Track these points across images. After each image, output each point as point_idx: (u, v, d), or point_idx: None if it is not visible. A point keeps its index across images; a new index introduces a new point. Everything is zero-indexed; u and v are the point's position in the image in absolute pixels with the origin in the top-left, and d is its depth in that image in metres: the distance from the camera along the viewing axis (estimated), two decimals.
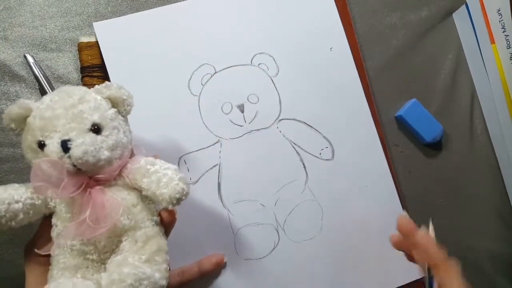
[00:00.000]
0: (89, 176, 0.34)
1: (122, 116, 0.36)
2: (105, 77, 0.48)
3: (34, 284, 0.36)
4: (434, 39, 0.57)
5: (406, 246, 0.41)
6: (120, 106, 0.36)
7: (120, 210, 0.33)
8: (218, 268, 0.48)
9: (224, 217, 0.49)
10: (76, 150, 0.31)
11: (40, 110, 0.33)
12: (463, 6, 0.55)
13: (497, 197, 0.56)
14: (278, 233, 0.49)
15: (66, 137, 0.32)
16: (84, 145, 0.32)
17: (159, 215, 0.37)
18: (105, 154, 0.33)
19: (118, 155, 0.34)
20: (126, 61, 0.48)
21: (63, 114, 0.32)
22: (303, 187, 0.50)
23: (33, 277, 0.36)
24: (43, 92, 0.48)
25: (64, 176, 0.32)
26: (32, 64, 0.48)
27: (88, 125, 0.33)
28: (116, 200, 0.34)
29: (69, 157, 0.31)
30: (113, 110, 0.35)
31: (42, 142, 0.32)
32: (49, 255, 0.34)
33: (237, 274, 0.48)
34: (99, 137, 0.33)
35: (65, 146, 0.31)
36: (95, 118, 0.33)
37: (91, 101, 0.34)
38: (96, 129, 0.33)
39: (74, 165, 0.32)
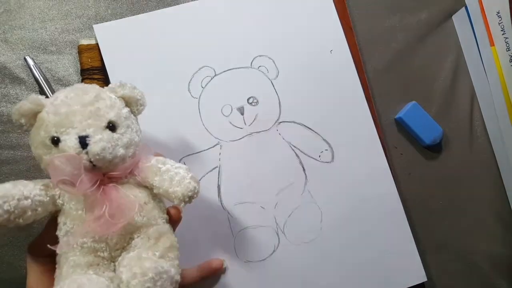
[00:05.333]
0: (103, 173, 0.34)
1: (133, 115, 0.37)
2: (105, 79, 0.49)
3: (36, 284, 0.36)
4: (433, 41, 0.57)
5: None
6: (133, 105, 0.37)
7: (136, 207, 0.34)
8: (218, 274, 0.48)
9: (224, 220, 0.49)
10: (94, 146, 0.32)
11: (54, 106, 0.33)
12: (463, 9, 0.55)
13: (497, 199, 0.56)
14: (278, 235, 0.49)
15: (84, 133, 0.32)
16: (102, 142, 0.32)
17: (167, 213, 0.38)
18: (120, 151, 0.34)
19: (131, 153, 0.35)
20: (126, 64, 0.48)
21: (79, 110, 0.33)
22: (303, 189, 0.50)
23: (35, 277, 0.36)
24: (43, 94, 0.48)
25: (81, 171, 0.32)
26: (32, 67, 0.48)
27: (105, 123, 0.33)
28: (130, 198, 0.34)
29: (87, 153, 0.32)
30: (126, 109, 0.36)
31: (56, 138, 0.32)
32: (51, 256, 0.34)
33: (237, 277, 0.48)
34: (114, 135, 0.34)
35: (83, 142, 0.32)
36: (111, 115, 0.34)
37: (106, 99, 0.34)
38: (112, 126, 0.34)
39: (91, 162, 0.32)
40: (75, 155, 0.32)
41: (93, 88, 0.35)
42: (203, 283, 0.47)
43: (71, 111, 0.33)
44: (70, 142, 0.32)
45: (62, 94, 0.34)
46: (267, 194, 0.49)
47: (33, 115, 0.34)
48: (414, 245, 0.51)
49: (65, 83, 0.50)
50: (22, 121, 0.34)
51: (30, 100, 0.33)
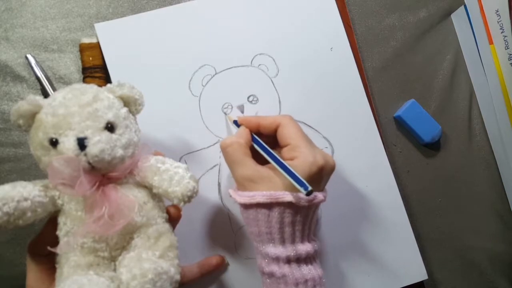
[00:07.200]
0: (102, 174, 0.34)
1: (132, 115, 0.37)
2: (106, 78, 0.49)
3: (35, 282, 0.36)
4: (432, 40, 0.57)
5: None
6: (131, 105, 0.37)
7: (135, 207, 0.34)
8: (219, 270, 0.48)
9: (224, 217, 0.49)
10: (93, 148, 0.32)
11: (52, 107, 0.33)
12: (462, 7, 0.56)
13: (495, 197, 0.56)
14: None
15: (82, 135, 0.32)
16: (101, 143, 0.32)
17: (167, 212, 0.38)
18: (119, 152, 0.34)
19: (130, 153, 0.35)
20: (127, 62, 0.49)
21: (77, 112, 0.33)
22: None
23: (35, 276, 0.36)
24: (44, 93, 0.48)
25: (80, 173, 0.32)
26: (33, 65, 0.48)
27: (103, 124, 0.33)
28: (130, 198, 0.34)
29: (85, 155, 0.32)
30: (125, 109, 0.36)
31: (54, 140, 0.32)
32: (51, 255, 0.34)
33: (237, 273, 0.48)
34: (113, 136, 0.34)
35: (81, 144, 0.32)
36: (110, 116, 0.34)
37: (104, 99, 0.34)
38: (110, 127, 0.34)
39: (89, 163, 0.32)
40: (73, 157, 0.32)
41: (91, 89, 0.35)
42: (203, 280, 0.47)
43: (69, 113, 0.32)
44: (68, 144, 0.32)
45: (60, 95, 0.34)
46: None
47: (31, 116, 0.34)
48: (415, 243, 0.51)
49: (66, 82, 0.50)
50: (20, 122, 0.34)
51: (28, 101, 0.33)
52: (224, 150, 0.42)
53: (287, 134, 0.41)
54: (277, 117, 0.43)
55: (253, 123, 0.44)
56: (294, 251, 0.39)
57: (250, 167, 0.40)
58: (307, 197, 0.38)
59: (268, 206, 0.38)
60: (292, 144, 0.40)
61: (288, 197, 0.38)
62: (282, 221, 0.39)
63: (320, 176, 0.40)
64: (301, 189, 0.36)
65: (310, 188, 0.36)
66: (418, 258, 0.51)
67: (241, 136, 0.42)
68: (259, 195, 0.38)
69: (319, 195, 0.40)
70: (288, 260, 0.39)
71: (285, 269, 0.38)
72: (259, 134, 0.44)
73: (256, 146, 0.42)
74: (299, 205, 0.38)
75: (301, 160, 0.39)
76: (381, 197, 0.51)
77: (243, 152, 0.41)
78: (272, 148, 0.42)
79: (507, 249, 0.56)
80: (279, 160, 0.39)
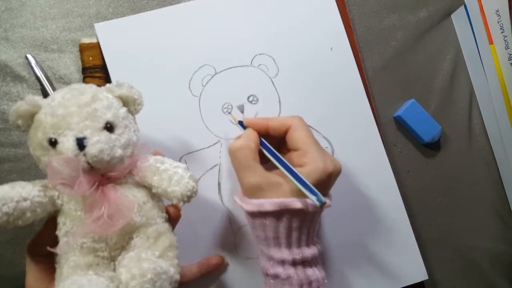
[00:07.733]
0: (101, 173, 0.34)
1: (131, 115, 0.37)
2: (106, 77, 0.49)
3: (35, 282, 0.36)
4: (432, 40, 0.57)
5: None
6: (130, 105, 0.37)
7: (135, 207, 0.34)
8: (218, 270, 0.48)
9: (224, 217, 0.49)
10: (92, 148, 0.32)
11: (51, 107, 0.33)
12: (462, 7, 0.56)
13: (495, 197, 0.56)
14: None
15: (81, 135, 0.32)
16: (100, 143, 0.32)
17: (166, 211, 0.38)
18: (118, 152, 0.34)
19: (129, 153, 0.35)
20: (127, 62, 0.49)
21: (76, 112, 0.33)
22: None
23: (34, 276, 0.36)
24: (44, 93, 0.48)
25: (79, 173, 0.32)
26: (33, 65, 0.48)
27: (102, 124, 0.33)
28: (129, 198, 0.34)
29: (84, 155, 0.32)
30: (124, 109, 0.36)
31: (54, 140, 0.32)
32: (50, 255, 0.34)
33: (237, 273, 0.48)
34: (112, 136, 0.34)
35: (81, 144, 0.32)
36: (109, 116, 0.34)
37: (103, 99, 0.34)
38: (109, 127, 0.34)
39: (88, 163, 0.32)
40: (73, 157, 0.32)
41: (90, 88, 0.35)
42: (203, 280, 0.47)
43: (68, 113, 0.32)
44: (67, 144, 0.32)
45: (59, 95, 0.34)
46: None
47: (30, 116, 0.34)
48: (415, 243, 0.51)
49: (66, 82, 0.50)
50: (19, 122, 0.34)
51: (27, 101, 0.33)
52: (233, 154, 0.40)
53: (297, 138, 0.40)
54: (287, 118, 0.41)
55: (261, 125, 0.42)
56: (300, 254, 0.39)
57: (259, 173, 0.39)
58: (317, 204, 0.37)
59: (277, 213, 0.38)
60: (302, 149, 0.39)
61: (298, 204, 0.37)
62: (290, 227, 0.38)
63: (328, 182, 0.40)
64: (314, 198, 0.36)
65: (323, 199, 0.35)
66: (418, 258, 0.51)
67: (251, 139, 0.41)
68: (268, 203, 0.37)
69: (327, 201, 0.39)
70: (294, 263, 0.39)
71: (290, 270, 0.38)
72: (265, 136, 0.42)
73: (265, 151, 0.41)
74: (307, 211, 0.38)
75: (311, 167, 0.38)
76: (381, 197, 0.51)
77: (253, 157, 0.39)
78: (276, 149, 0.41)
79: (507, 249, 0.56)
80: (289, 167, 0.38)
